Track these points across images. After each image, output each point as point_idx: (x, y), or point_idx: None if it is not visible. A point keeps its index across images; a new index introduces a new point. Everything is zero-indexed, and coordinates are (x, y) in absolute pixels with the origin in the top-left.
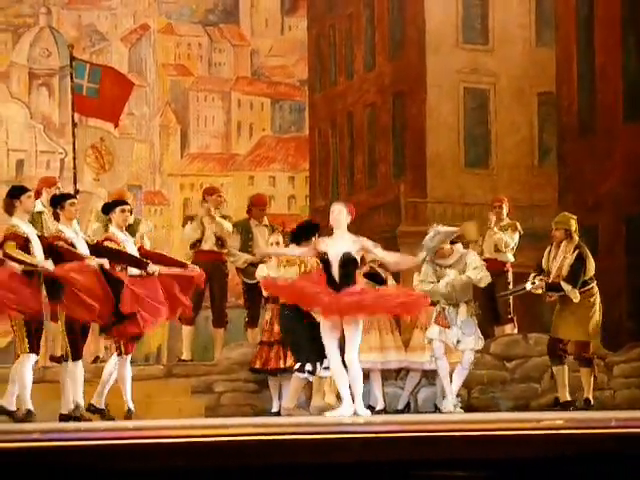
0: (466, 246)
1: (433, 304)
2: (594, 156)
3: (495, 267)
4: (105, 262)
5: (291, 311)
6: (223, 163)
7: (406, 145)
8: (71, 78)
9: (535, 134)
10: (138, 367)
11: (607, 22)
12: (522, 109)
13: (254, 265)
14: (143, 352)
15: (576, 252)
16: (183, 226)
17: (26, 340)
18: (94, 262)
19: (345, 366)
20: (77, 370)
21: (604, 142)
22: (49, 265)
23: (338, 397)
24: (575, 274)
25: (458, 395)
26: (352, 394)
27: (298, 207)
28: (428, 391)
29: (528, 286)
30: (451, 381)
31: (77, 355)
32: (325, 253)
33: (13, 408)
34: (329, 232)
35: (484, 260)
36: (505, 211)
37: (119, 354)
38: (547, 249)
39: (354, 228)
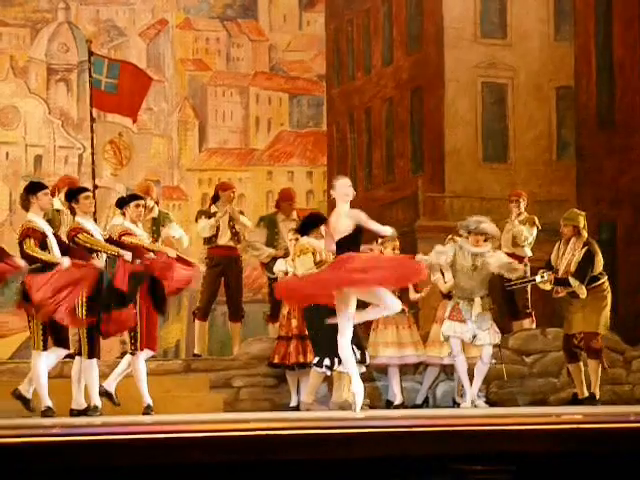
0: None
1: (450, 298)
2: (612, 150)
3: None
4: (127, 254)
5: (314, 306)
6: (241, 158)
7: (424, 140)
8: (89, 73)
9: (553, 129)
10: (157, 362)
11: (626, 16)
12: (540, 104)
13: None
14: (162, 347)
15: (585, 248)
16: (196, 221)
17: (41, 337)
18: (123, 254)
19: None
20: (92, 368)
21: (623, 136)
22: (66, 262)
23: None
24: (583, 270)
25: (481, 390)
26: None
27: (316, 202)
28: (446, 386)
29: (538, 279)
30: (472, 377)
31: (93, 353)
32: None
33: (29, 396)
34: None
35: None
36: (523, 205)
37: (134, 350)
38: (556, 245)
39: None
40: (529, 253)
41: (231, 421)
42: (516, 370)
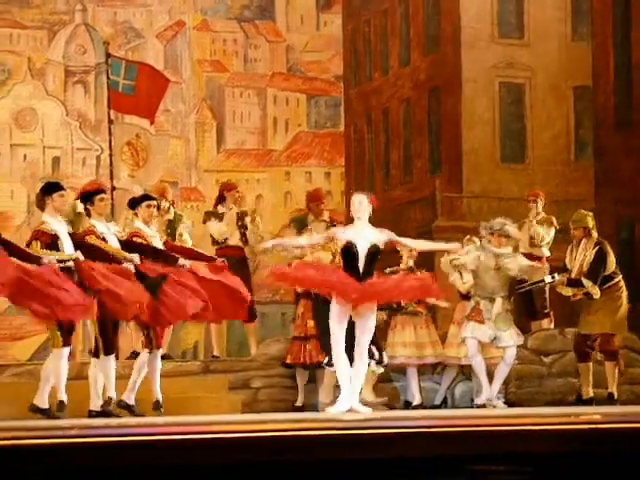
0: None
1: (467, 298)
2: (630, 150)
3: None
4: (135, 257)
5: (323, 305)
6: (259, 159)
7: (442, 140)
8: (107, 75)
9: (571, 129)
10: (175, 363)
11: None
12: (558, 104)
13: None
14: (180, 349)
15: (596, 248)
16: (204, 222)
17: (58, 334)
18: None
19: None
20: (110, 364)
21: None
22: (78, 255)
23: (374, 391)
24: (595, 270)
25: (500, 391)
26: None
27: (334, 203)
28: (465, 386)
29: (548, 279)
30: (490, 378)
31: (110, 350)
32: (351, 243)
33: (46, 406)
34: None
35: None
36: (540, 205)
37: (150, 349)
38: (569, 248)
39: (390, 224)
40: (547, 253)
41: (249, 422)
42: (535, 370)
